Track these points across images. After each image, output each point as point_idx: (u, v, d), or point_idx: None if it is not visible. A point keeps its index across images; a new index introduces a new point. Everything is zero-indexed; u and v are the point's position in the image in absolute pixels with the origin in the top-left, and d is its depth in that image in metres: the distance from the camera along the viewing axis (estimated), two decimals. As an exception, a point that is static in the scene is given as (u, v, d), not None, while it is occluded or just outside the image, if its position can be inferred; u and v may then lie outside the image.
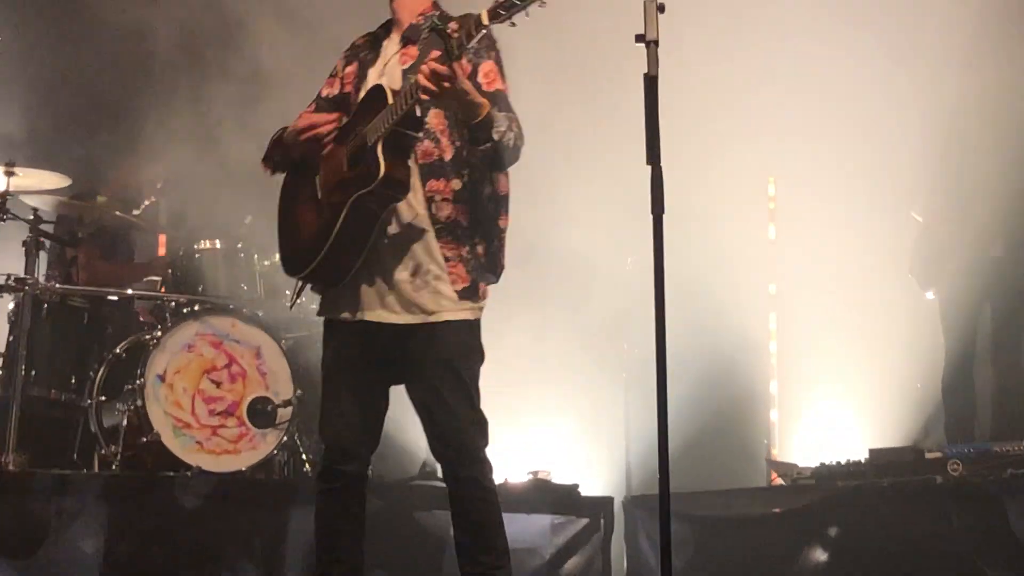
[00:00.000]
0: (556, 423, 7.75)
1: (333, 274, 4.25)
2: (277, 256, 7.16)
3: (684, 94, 6.28)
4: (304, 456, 6.83)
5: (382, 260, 4.21)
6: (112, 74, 8.21)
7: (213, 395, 6.57)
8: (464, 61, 4.13)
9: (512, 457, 7.29)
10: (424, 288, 4.20)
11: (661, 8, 3.56)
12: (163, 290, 7.07)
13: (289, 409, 6.63)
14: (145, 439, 6.34)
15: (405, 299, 4.20)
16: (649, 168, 3.50)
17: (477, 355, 4.30)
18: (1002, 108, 6.55)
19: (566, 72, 7.31)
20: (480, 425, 4.27)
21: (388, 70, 4.32)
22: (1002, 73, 6.62)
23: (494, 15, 3.85)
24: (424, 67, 3.93)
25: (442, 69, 3.91)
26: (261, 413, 6.60)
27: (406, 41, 4.34)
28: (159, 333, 6.56)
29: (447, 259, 4.21)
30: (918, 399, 7.26)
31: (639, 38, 3.59)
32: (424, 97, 3.99)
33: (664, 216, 3.52)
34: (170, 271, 7.10)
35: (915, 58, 7.08)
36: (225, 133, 7.31)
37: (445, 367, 4.22)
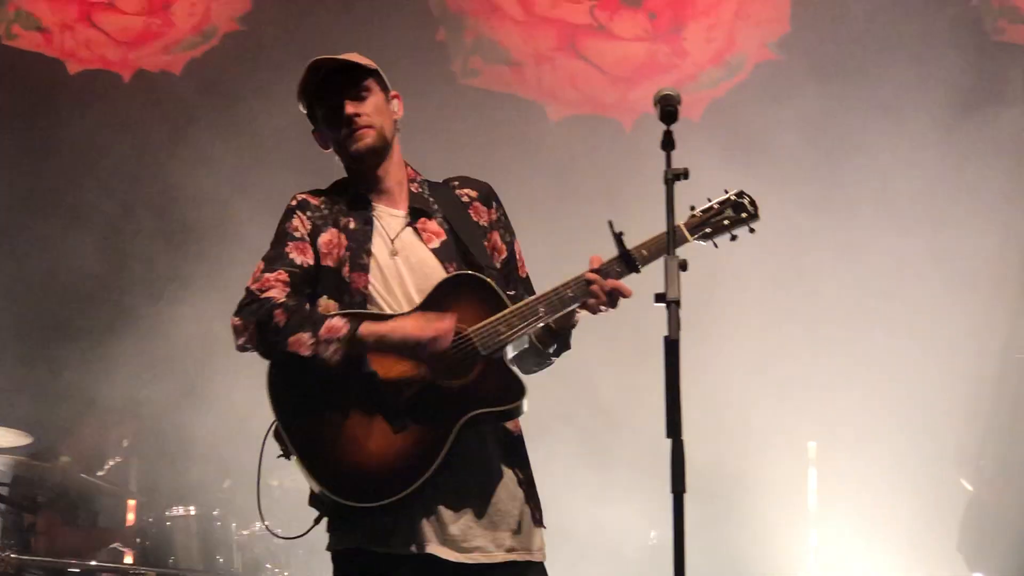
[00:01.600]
0: None
1: (412, 501, 3.70)
2: (258, 524, 7.22)
3: (712, 355, 6.37)
4: None
5: (446, 483, 3.73)
6: (76, 316, 8.20)
7: None
8: (497, 237, 4.03)
9: None
10: (501, 519, 3.81)
11: (683, 266, 3.59)
12: (131, 561, 6.91)
13: None
14: None
15: (476, 532, 3.77)
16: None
17: None
18: None
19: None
20: None
21: (403, 247, 3.91)
22: None
23: (696, 231, 3.86)
24: (607, 283, 3.73)
25: (626, 291, 3.75)
26: None
27: (418, 214, 3.98)
28: (126, 611, 6.40)
29: (521, 482, 3.88)
30: None
31: (659, 298, 3.64)
32: (581, 310, 3.80)
33: (688, 492, 3.46)
34: (139, 540, 6.94)
35: (963, 307, 7.18)
36: (199, 385, 7.39)
37: None
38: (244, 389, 7.39)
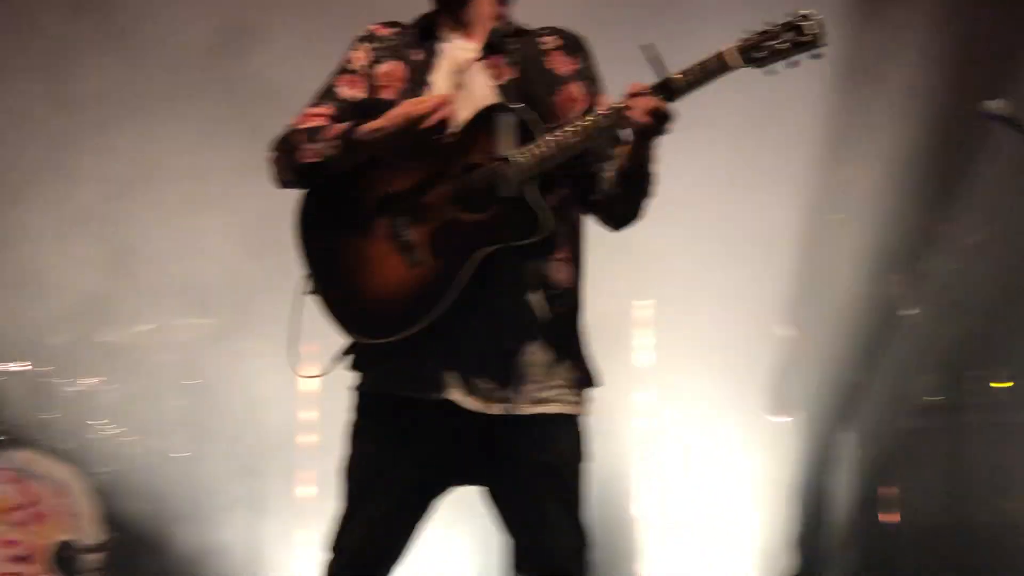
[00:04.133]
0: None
1: (424, 339, 3.55)
2: (91, 379, 7.06)
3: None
4: (116, 609, 6.64)
5: (474, 327, 3.56)
6: None
7: (11, 539, 6.41)
8: (577, 88, 3.79)
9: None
10: (532, 369, 3.63)
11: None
12: None
13: (100, 555, 6.49)
14: (-72, 590, 6.12)
15: (503, 381, 3.60)
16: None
17: (587, 461, 3.72)
18: (859, 207, 6.91)
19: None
20: (585, 551, 3.70)
21: (468, 82, 3.74)
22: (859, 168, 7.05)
23: (749, 58, 3.46)
24: (644, 100, 3.46)
25: (666, 108, 3.46)
26: (66, 560, 6.44)
27: (491, 49, 3.78)
28: (-51, 467, 6.33)
29: (559, 336, 3.68)
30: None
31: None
32: (625, 136, 3.57)
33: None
34: None
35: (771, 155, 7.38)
36: (37, 228, 7.29)
37: (551, 480, 3.64)
38: (71, 238, 7.36)
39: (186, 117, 7.48)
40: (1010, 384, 7.21)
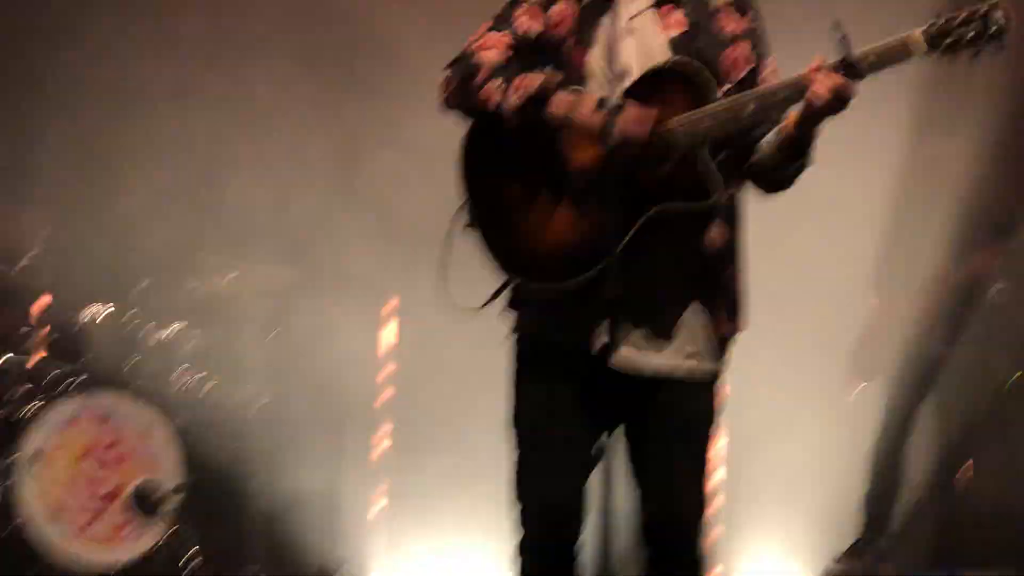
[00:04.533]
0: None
1: (580, 289, 3.58)
2: (176, 325, 7.11)
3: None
4: (191, 551, 6.67)
5: (630, 282, 3.53)
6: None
7: (95, 477, 6.52)
8: (744, 47, 3.72)
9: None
10: (681, 328, 3.66)
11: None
12: (43, 355, 6.76)
13: (178, 497, 6.59)
14: (16, 523, 6.26)
15: (653, 337, 3.63)
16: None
17: (716, 423, 3.77)
18: (948, 180, 6.85)
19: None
20: (704, 517, 3.73)
21: (639, 28, 3.69)
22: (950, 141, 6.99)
23: (934, 46, 3.37)
24: (829, 78, 3.41)
25: (850, 88, 3.42)
26: (147, 500, 6.56)
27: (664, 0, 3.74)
28: (38, 404, 6.47)
29: (711, 296, 3.70)
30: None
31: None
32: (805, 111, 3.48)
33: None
34: (54, 335, 6.81)
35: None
36: (126, 172, 7.35)
37: (688, 435, 3.70)
38: (159, 183, 7.40)
39: (278, 60, 7.50)
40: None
